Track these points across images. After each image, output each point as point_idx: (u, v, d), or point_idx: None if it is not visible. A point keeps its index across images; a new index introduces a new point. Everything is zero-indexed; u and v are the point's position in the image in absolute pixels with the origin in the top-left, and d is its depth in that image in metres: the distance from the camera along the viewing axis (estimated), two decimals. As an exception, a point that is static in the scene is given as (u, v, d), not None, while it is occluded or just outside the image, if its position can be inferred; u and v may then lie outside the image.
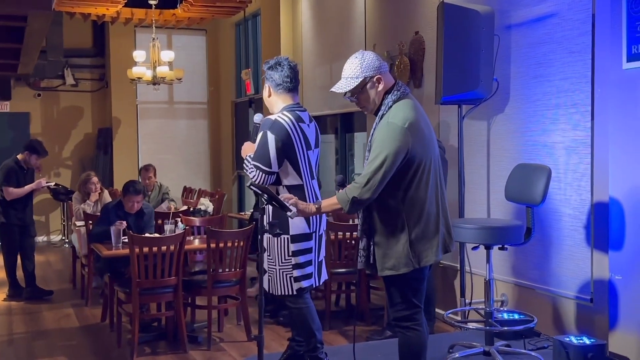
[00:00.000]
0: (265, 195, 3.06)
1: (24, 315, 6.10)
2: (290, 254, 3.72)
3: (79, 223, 6.69)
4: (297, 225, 3.70)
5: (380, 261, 3.00)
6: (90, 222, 6.15)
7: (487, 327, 3.92)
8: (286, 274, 3.74)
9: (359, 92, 3.03)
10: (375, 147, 2.91)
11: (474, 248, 4.05)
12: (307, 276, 3.79)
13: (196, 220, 6.06)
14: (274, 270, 3.76)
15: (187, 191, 9.44)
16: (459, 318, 4.99)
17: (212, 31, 11.22)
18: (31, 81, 10.59)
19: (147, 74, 8.79)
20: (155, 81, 8.84)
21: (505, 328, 3.97)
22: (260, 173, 3.63)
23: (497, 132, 4.97)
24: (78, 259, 6.90)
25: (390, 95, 3.00)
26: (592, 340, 3.84)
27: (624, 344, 3.81)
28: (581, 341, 3.82)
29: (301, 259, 3.75)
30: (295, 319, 3.87)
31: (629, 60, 3.70)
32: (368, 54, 3.05)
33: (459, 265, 5.07)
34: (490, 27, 4.66)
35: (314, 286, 3.88)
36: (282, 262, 3.74)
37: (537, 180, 3.80)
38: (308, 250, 3.77)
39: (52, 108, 10.90)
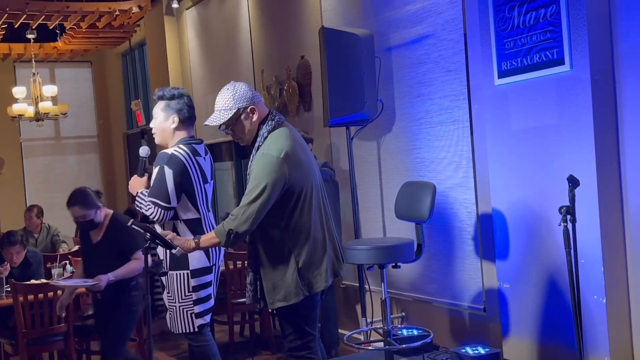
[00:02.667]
0: (148, 234, 2.95)
1: None
2: (191, 289, 3.60)
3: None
4: (197, 259, 3.58)
5: (270, 294, 2.96)
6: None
7: (386, 347, 3.94)
8: (187, 311, 3.61)
9: (233, 124, 3.00)
10: (253, 179, 2.88)
11: (369, 268, 4.09)
12: (209, 311, 3.69)
13: (87, 261, 5.77)
14: (174, 307, 3.63)
15: (81, 229, 9.03)
16: (362, 338, 5.00)
17: (98, 62, 10.88)
18: None
19: (29, 110, 8.40)
20: (39, 117, 8.47)
21: (404, 346, 4.00)
22: (159, 209, 3.50)
23: (387, 151, 5.06)
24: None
25: (265, 126, 2.99)
26: (486, 349, 3.94)
27: (517, 350, 3.93)
28: (476, 351, 3.91)
29: (202, 293, 3.63)
30: (197, 357, 3.74)
31: (499, 76, 3.85)
32: (240, 85, 3.03)
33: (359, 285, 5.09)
34: (371, 50, 4.76)
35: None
36: (182, 299, 3.61)
37: (424, 197, 3.89)
38: (208, 284, 3.67)
39: None
